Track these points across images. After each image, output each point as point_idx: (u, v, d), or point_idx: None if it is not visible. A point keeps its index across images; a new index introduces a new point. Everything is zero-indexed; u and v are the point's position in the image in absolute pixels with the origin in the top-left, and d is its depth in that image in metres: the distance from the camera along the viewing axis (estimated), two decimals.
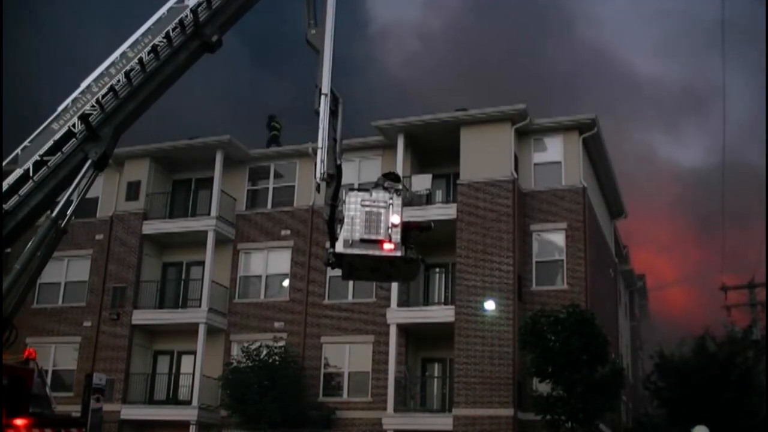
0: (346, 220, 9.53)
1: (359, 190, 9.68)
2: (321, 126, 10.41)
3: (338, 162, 10.30)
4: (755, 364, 29.74)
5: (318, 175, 10.14)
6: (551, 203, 28.01)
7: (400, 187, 9.84)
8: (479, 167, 27.72)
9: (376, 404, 27.28)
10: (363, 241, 9.43)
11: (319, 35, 11.21)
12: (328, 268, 29.81)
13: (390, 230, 9.46)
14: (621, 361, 34.06)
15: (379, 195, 9.58)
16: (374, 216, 9.49)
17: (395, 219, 9.49)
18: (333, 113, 10.66)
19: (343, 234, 9.49)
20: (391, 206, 9.52)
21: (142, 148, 32.09)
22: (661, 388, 29.72)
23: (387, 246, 9.42)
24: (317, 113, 10.63)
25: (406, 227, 9.61)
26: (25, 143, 11.05)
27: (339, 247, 9.52)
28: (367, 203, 9.51)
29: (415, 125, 29.03)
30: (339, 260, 9.74)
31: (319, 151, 10.25)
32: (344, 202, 9.65)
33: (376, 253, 9.47)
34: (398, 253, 9.46)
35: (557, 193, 28.07)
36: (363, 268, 9.91)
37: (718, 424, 25.32)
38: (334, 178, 10.17)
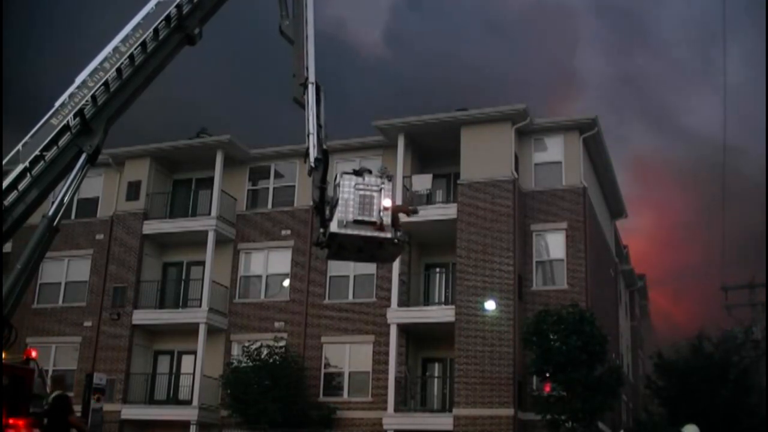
0: (340, 202, 10.11)
1: (353, 173, 10.23)
2: (311, 113, 11.05)
3: (324, 147, 10.91)
4: (755, 363, 29.79)
5: (312, 159, 10.71)
6: (551, 203, 27.99)
7: (391, 173, 10.56)
8: (479, 167, 27.71)
9: (377, 404, 27.28)
10: (356, 222, 10.01)
11: (293, 26, 11.95)
12: (324, 264, 29.96)
13: (381, 213, 10.03)
14: (621, 361, 34.08)
15: (372, 180, 10.18)
16: (367, 199, 10.06)
17: (387, 202, 10.09)
18: (315, 101, 11.26)
19: (337, 215, 10.07)
20: (382, 190, 10.11)
21: (143, 148, 32.16)
22: (661, 387, 29.78)
23: (379, 227, 10.03)
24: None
25: (394, 211, 10.21)
26: (26, 139, 11.14)
27: (333, 227, 10.10)
28: (360, 187, 10.09)
29: (415, 125, 29.02)
30: (330, 240, 10.30)
31: (310, 137, 10.86)
32: (338, 185, 10.23)
33: (369, 233, 10.06)
34: (389, 235, 10.09)
35: (557, 193, 28.05)
36: (351, 248, 10.46)
37: (718, 423, 25.35)
38: (321, 162, 10.76)
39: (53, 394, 12.96)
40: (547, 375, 23.70)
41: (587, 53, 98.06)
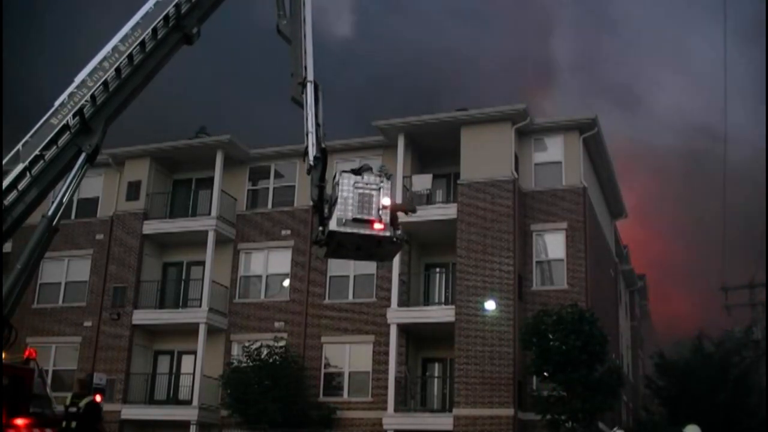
0: (339, 200, 10.18)
1: (353, 172, 10.30)
2: (309, 112, 11.16)
3: (323, 145, 11.01)
4: (755, 363, 29.83)
5: (311, 158, 10.82)
6: (551, 203, 27.98)
7: (390, 172, 10.66)
8: (479, 167, 27.71)
9: (377, 404, 27.28)
10: (356, 220, 10.09)
11: (290, 25, 12.07)
12: (324, 264, 29.97)
13: (380, 211, 10.11)
14: (621, 361, 34.08)
15: (371, 178, 10.25)
16: (366, 197, 10.14)
17: (386, 201, 10.16)
18: (314, 99, 11.35)
19: (336, 213, 10.14)
20: (381, 189, 10.18)
21: (143, 148, 32.15)
22: (661, 387, 29.80)
23: (377, 226, 10.10)
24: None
25: (393, 209, 10.30)
26: (26, 139, 11.19)
27: (333, 225, 10.18)
28: (360, 185, 10.16)
29: (415, 125, 29.02)
30: (329, 238, 10.37)
31: (310, 136, 10.97)
32: (337, 183, 10.30)
33: (368, 232, 10.13)
34: (388, 233, 10.16)
35: (557, 193, 28.05)
36: (349, 246, 10.53)
37: (718, 423, 25.35)
38: (320, 160, 10.86)
39: (85, 400, 13.00)
40: (545, 374, 23.70)
41: (562, 40, 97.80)
